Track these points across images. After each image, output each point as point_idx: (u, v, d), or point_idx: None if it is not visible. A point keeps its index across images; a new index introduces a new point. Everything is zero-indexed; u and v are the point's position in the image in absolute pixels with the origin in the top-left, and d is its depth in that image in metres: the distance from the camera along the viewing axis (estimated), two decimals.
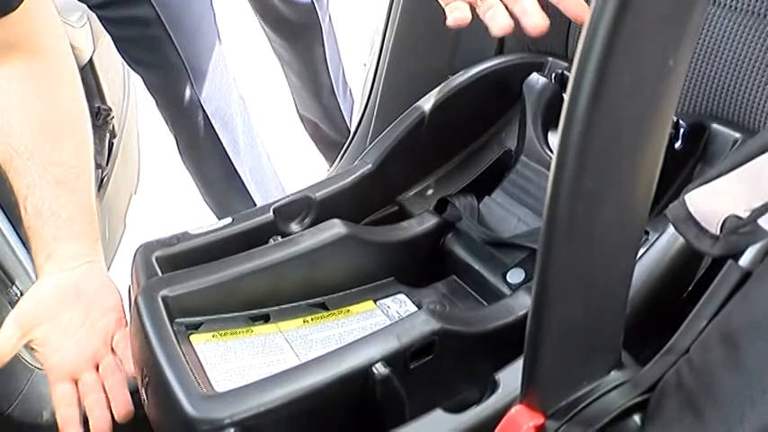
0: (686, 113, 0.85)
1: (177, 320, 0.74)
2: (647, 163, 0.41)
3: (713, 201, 0.51)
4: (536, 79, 0.95)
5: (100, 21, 1.38)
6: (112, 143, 1.49)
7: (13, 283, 1.14)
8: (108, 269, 1.44)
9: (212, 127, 1.47)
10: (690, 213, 0.51)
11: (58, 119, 0.89)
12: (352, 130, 1.19)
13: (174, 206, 1.99)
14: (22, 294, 1.14)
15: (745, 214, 0.47)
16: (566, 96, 0.38)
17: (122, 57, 1.44)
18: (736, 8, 0.80)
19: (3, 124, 0.86)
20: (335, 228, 0.83)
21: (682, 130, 0.80)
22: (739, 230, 0.47)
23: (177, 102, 1.45)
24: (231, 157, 1.52)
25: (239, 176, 1.54)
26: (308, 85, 1.75)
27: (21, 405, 1.04)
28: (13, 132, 0.86)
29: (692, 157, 0.82)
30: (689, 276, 0.70)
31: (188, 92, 1.42)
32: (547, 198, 0.40)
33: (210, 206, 1.65)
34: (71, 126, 0.90)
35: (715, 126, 0.81)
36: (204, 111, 1.45)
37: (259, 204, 1.51)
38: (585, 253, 0.41)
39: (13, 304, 1.13)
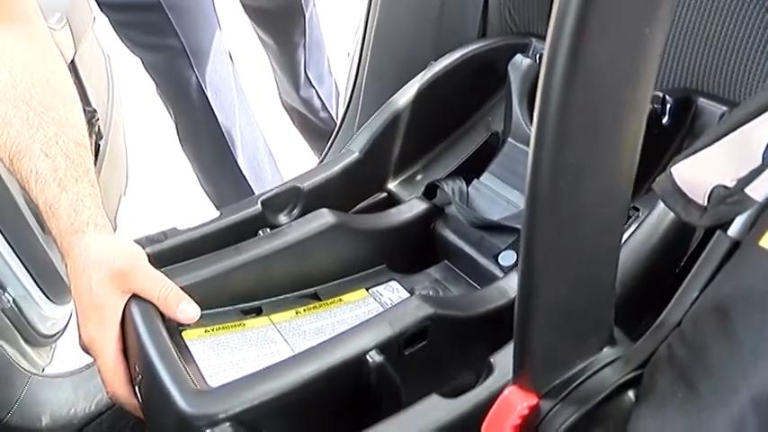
0: (673, 89, 0.84)
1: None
2: (629, 135, 0.40)
3: (700, 171, 0.50)
4: (520, 60, 0.94)
5: (99, 7, 1.40)
6: (99, 145, 1.47)
7: (5, 290, 1.13)
8: None
9: (211, 108, 1.49)
10: (677, 185, 0.51)
11: (61, 82, 0.81)
12: (339, 118, 1.18)
13: (164, 206, 1.98)
14: (14, 301, 1.14)
15: (731, 184, 0.47)
16: (541, 70, 0.38)
17: (122, 40, 1.45)
18: None
19: (5, 74, 0.76)
20: (324, 217, 0.82)
21: (669, 106, 0.80)
22: (727, 200, 0.47)
23: (177, 83, 1.46)
24: (228, 140, 1.53)
25: (236, 160, 1.55)
26: (288, 73, 1.75)
27: (19, 411, 1.03)
28: (19, 83, 0.76)
29: (679, 132, 0.82)
30: (680, 251, 0.70)
31: (188, 74, 1.44)
32: (528, 175, 0.39)
33: (207, 191, 1.66)
34: (73, 93, 0.83)
35: (702, 100, 0.81)
36: (204, 92, 1.47)
37: (255, 189, 1.54)
38: (570, 229, 0.41)
39: (6, 312, 1.12)
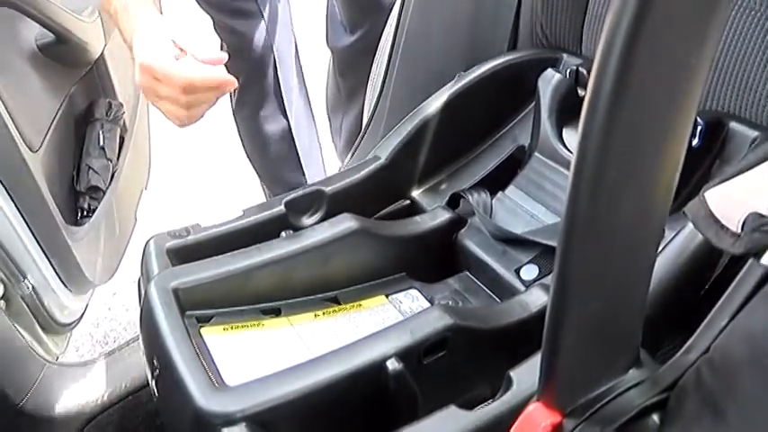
0: (704, 111, 0.84)
1: (188, 313, 0.74)
2: (669, 160, 0.40)
3: (734, 198, 0.50)
4: (551, 75, 0.94)
5: None
6: (123, 138, 1.49)
7: (25, 277, 1.15)
8: (119, 263, 1.45)
9: (276, 72, 1.59)
10: (710, 211, 0.51)
11: None
12: (365, 124, 1.18)
13: (185, 201, 2.00)
14: (34, 288, 1.15)
15: (767, 212, 0.47)
16: (587, 93, 0.38)
17: (201, 5, 1.55)
18: (753, 8, 0.79)
19: None
20: (348, 222, 0.82)
21: (699, 128, 0.79)
22: (761, 228, 0.46)
23: (250, 45, 1.56)
24: (286, 107, 1.62)
25: (288, 119, 1.64)
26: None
27: (33, 398, 1.04)
28: None
29: (709, 155, 0.81)
30: (706, 274, 0.69)
31: (261, 36, 1.55)
32: (567, 193, 0.39)
33: (249, 156, 1.73)
34: None
35: (733, 124, 0.80)
36: (273, 55, 1.58)
37: (303, 160, 1.67)
38: (606, 249, 0.41)
39: (25, 298, 1.14)
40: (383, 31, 1.26)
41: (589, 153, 0.37)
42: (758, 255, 0.48)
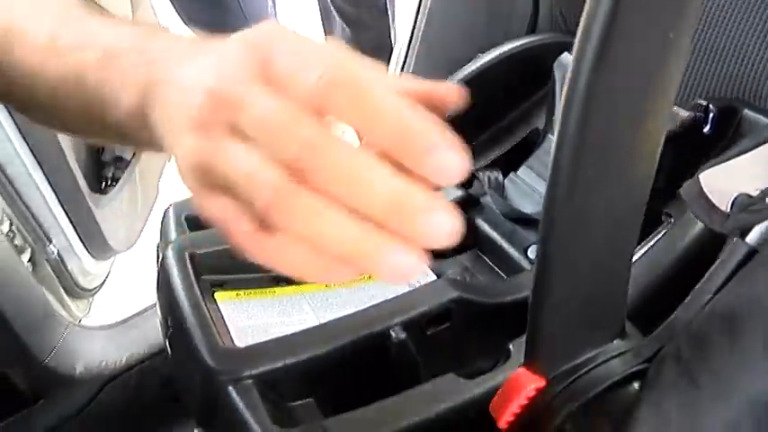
0: (717, 98, 0.84)
1: (203, 278, 0.76)
2: (648, 138, 0.41)
3: (726, 179, 0.52)
4: (567, 59, 0.95)
5: None
6: None
7: (51, 241, 1.18)
8: (140, 233, 1.48)
9: None
10: (703, 191, 0.52)
11: None
12: None
13: None
14: (59, 253, 1.19)
15: (755, 193, 0.48)
16: (569, 68, 0.40)
17: (180, 16, 1.45)
18: None
19: None
20: None
21: (711, 115, 0.80)
22: (749, 208, 0.48)
23: None
24: None
25: None
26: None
27: (56, 357, 1.08)
28: None
29: (720, 142, 0.81)
30: (709, 258, 0.70)
31: None
32: (550, 166, 0.41)
33: None
34: None
35: (746, 112, 0.80)
36: None
37: None
38: (586, 225, 0.42)
39: (50, 262, 1.18)
40: (384, 29, 1.25)
41: (568, 131, 0.39)
42: (743, 234, 0.49)
